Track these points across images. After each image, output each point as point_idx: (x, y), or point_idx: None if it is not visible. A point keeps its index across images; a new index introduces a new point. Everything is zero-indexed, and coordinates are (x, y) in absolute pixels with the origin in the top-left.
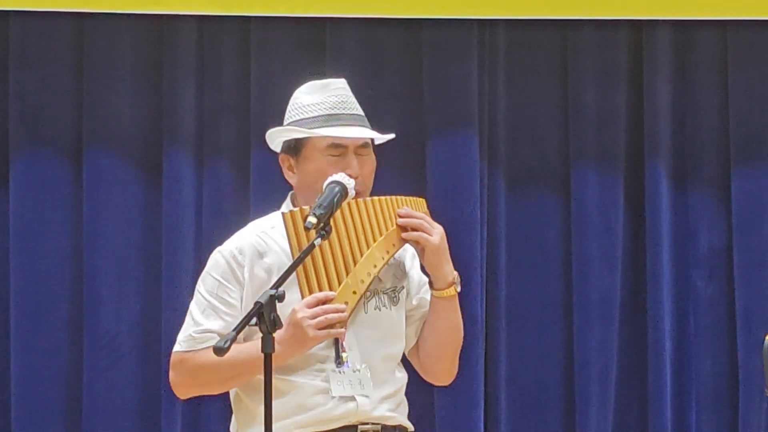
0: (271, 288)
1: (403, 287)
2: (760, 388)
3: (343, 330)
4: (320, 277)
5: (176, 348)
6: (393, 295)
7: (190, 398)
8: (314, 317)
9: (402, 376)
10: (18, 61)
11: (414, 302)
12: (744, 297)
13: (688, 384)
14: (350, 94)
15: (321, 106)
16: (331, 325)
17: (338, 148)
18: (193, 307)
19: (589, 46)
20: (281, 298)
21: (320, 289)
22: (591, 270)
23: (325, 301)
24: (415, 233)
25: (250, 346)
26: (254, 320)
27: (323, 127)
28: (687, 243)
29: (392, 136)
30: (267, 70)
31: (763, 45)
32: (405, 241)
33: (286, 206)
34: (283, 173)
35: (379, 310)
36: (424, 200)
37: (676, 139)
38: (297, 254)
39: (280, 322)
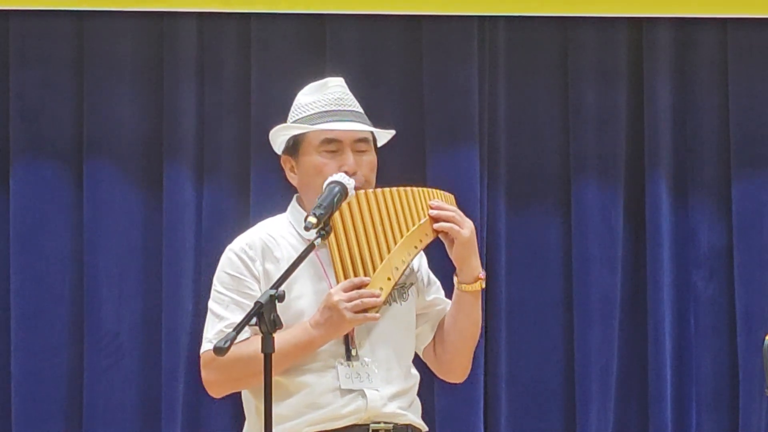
0: (271, 288)
1: (412, 284)
2: (760, 388)
3: (378, 315)
4: (355, 262)
5: (206, 347)
6: (402, 292)
7: (192, 400)
8: (350, 300)
9: (414, 375)
10: (18, 61)
11: (428, 299)
12: (744, 297)
13: (688, 384)
14: (347, 91)
15: (318, 103)
16: (366, 309)
17: (332, 143)
18: (214, 306)
19: (589, 44)
20: (281, 298)
21: (355, 275)
22: (591, 270)
23: (360, 286)
24: (447, 224)
25: (284, 334)
26: (254, 320)
27: (318, 123)
28: (687, 243)
29: (393, 132)
30: (267, 67)
31: (763, 45)
32: (437, 232)
33: (292, 207)
34: (286, 175)
35: (390, 304)
36: (452, 196)
37: (677, 139)
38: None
39: (280, 322)
